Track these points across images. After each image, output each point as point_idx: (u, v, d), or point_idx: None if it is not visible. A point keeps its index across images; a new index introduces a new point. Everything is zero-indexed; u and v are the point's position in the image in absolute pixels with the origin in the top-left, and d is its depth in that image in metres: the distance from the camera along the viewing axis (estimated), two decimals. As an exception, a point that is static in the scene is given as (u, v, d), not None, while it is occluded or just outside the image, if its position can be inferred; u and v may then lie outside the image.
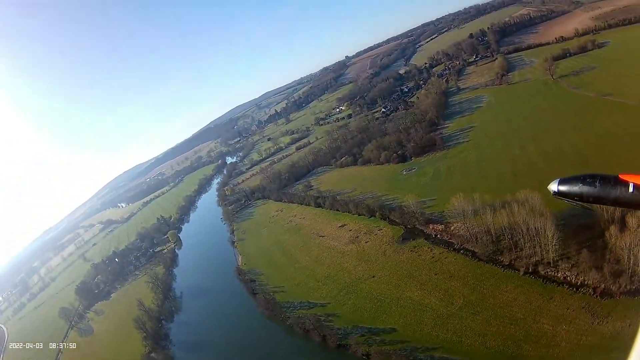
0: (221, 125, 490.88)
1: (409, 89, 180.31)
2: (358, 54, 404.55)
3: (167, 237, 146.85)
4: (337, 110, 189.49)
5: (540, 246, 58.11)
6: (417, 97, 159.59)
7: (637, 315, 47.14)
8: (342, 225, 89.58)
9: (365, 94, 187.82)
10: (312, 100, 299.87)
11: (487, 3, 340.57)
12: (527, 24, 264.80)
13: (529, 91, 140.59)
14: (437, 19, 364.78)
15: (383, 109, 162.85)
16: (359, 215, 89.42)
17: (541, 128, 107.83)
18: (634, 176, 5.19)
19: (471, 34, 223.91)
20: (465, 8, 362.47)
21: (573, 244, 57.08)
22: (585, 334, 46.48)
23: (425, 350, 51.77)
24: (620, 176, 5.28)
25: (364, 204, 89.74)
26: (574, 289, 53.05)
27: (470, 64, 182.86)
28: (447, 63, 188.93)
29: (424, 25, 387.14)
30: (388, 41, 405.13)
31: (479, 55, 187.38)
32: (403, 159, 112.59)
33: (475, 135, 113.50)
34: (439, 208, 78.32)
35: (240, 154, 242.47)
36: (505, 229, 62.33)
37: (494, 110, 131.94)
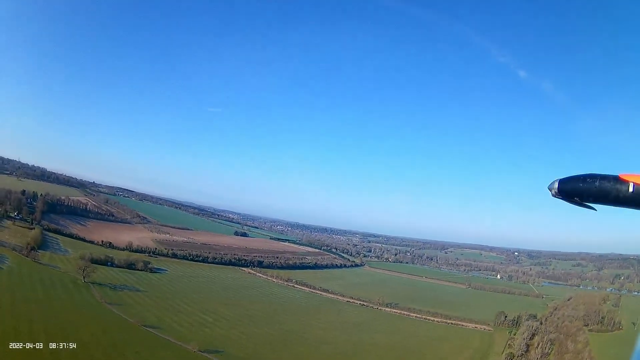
0: None
1: None
2: None
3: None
4: None
5: None
6: None
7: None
8: None
9: None
10: None
11: (54, 173, 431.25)
12: (80, 213, 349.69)
13: (55, 281, 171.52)
14: (8, 159, 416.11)
15: None
16: None
17: (57, 328, 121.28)
18: (634, 176, 7.14)
19: (24, 190, 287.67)
20: (34, 165, 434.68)
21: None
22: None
23: None
24: (620, 176, 7.28)
25: None
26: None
27: (9, 217, 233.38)
28: None
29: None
30: None
31: (20, 215, 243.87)
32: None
33: None
34: None
35: None
36: None
37: (13, 278, 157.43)
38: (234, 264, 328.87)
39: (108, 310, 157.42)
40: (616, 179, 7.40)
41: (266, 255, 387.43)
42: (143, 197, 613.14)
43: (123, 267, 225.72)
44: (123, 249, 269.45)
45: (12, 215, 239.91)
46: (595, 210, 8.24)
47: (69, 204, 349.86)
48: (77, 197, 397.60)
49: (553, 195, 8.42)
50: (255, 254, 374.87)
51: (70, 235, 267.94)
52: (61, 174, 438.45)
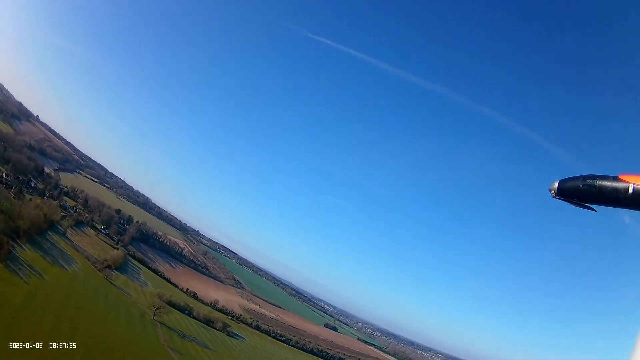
0: None
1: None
2: None
3: None
4: None
5: None
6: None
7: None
8: None
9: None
10: None
11: (158, 207, 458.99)
12: (173, 254, 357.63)
13: (120, 305, 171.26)
14: (112, 173, 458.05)
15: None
16: None
17: (100, 345, 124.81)
18: (634, 177, 7.66)
19: (119, 210, 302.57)
20: (139, 191, 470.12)
21: None
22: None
23: None
24: (620, 177, 7.82)
25: None
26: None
27: (94, 227, 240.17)
28: (80, 209, 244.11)
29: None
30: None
31: (107, 231, 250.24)
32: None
33: (37, 290, 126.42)
34: None
35: None
36: None
37: (75, 283, 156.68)
38: (315, 354, 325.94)
39: (167, 353, 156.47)
40: (616, 179, 7.80)
41: (349, 354, 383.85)
42: (244, 263, 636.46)
43: (200, 321, 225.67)
44: (207, 304, 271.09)
45: (98, 227, 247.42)
46: (595, 210, 8.54)
47: (165, 241, 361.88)
48: (176, 239, 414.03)
49: (553, 196, 8.80)
50: (339, 350, 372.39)
51: (155, 271, 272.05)
52: (165, 211, 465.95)
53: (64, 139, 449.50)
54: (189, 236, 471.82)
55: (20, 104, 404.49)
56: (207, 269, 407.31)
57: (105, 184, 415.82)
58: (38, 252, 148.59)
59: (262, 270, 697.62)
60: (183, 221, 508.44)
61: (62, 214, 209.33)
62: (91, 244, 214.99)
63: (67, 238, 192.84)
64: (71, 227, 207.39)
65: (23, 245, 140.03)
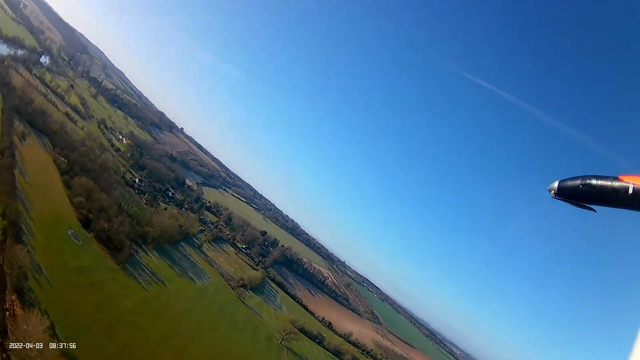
0: None
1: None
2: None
3: None
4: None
5: None
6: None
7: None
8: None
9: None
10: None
11: (307, 233, 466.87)
12: (315, 282, 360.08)
13: (247, 326, 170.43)
14: (262, 195, 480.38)
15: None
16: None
17: None
18: (634, 177, 7.81)
19: (265, 231, 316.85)
20: (288, 215, 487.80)
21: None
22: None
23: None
24: (619, 177, 7.97)
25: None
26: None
27: (235, 246, 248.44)
28: (221, 225, 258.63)
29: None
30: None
31: (248, 251, 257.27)
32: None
33: (154, 298, 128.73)
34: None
35: None
36: None
37: (201, 296, 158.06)
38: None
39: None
40: (616, 180, 7.93)
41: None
42: (385, 298, 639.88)
43: (329, 351, 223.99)
44: (340, 335, 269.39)
45: (239, 246, 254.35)
46: (595, 211, 8.63)
47: (309, 268, 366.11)
48: (320, 267, 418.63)
49: (553, 196, 8.92)
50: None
51: (293, 296, 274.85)
52: (314, 239, 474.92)
53: (212, 155, 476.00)
54: (335, 266, 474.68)
55: (162, 114, 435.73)
56: (347, 301, 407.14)
57: (253, 205, 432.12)
58: (165, 261, 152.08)
59: (401, 308, 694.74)
60: (330, 250, 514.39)
61: (201, 227, 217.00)
62: (228, 261, 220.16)
63: (202, 252, 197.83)
64: (208, 242, 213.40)
65: (149, 252, 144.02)
